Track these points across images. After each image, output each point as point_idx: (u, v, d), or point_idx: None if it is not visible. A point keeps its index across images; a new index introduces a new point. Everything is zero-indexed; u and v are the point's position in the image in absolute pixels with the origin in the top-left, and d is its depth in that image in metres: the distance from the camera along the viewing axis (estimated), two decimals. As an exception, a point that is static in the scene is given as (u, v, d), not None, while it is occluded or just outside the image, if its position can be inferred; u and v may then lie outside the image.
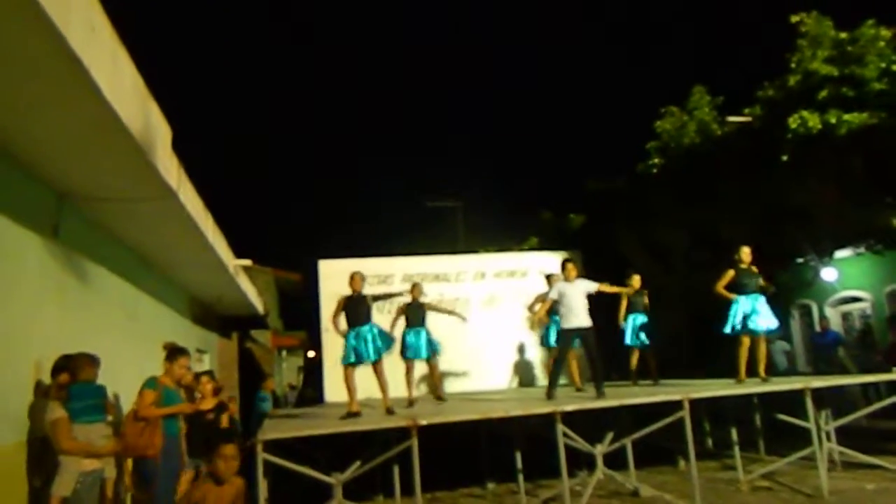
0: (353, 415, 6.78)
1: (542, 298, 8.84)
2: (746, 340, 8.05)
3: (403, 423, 6.11)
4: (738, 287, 8.07)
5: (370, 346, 6.92)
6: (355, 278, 7.29)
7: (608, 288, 8.10)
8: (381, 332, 7.12)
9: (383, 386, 7.10)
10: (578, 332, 7.63)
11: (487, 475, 8.78)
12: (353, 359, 6.95)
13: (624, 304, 9.48)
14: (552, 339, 9.30)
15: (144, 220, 6.22)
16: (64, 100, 3.76)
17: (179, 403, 5.78)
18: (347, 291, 7.29)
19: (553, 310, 9.22)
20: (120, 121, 4.03)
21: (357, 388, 7.00)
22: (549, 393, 7.55)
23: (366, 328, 7.04)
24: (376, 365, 7.01)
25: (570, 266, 7.83)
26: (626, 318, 9.48)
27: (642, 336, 9.43)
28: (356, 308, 7.16)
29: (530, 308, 9.41)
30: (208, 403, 6.67)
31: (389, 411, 6.82)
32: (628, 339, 9.47)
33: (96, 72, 3.53)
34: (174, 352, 5.75)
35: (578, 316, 7.59)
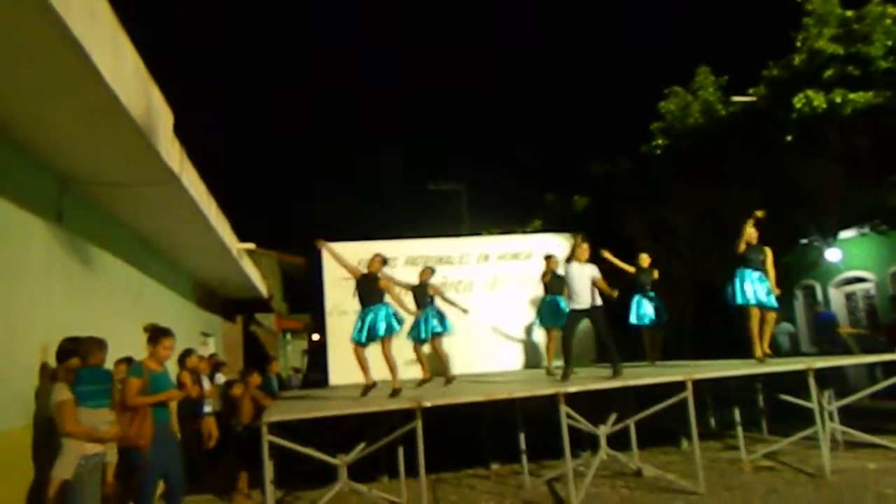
0: (370, 388, 6.97)
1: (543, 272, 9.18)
2: (756, 312, 7.98)
3: (407, 404, 6.15)
4: (744, 261, 8.06)
5: (382, 324, 7.00)
6: (375, 260, 7.38)
7: (612, 258, 8.10)
8: (394, 312, 7.20)
9: (392, 366, 7.16)
10: (586, 312, 7.62)
11: (492, 456, 8.85)
12: (364, 337, 7.04)
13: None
14: (546, 318, 9.38)
15: (147, 204, 6.22)
16: (65, 85, 3.76)
17: (168, 388, 5.56)
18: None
19: (548, 288, 9.30)
20: (121, 105, 4.03)
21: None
22: (565, 373, 7.51)
23: (381, 307, 7.12)
24: (385, 344, 7.08)
25: (585, 247, 7.73)
26: (633, 298, 9.43)
27: (651, 314, 9.38)
28: (369, 287, 7.23)
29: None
30: (194, 391, 6.68)
31: (395, 392, 6.87)
32: (634, 319, 9.40)
33: (97, 56, 3.52)
34: (157, 333, 5.43)
35: (586, 297, 7.57)
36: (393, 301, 7.36)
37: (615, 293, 7.64)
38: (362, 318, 7.12)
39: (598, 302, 7.59)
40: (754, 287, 7.95)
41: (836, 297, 14.95)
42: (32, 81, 3.73)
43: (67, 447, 4.46)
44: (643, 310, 9.38)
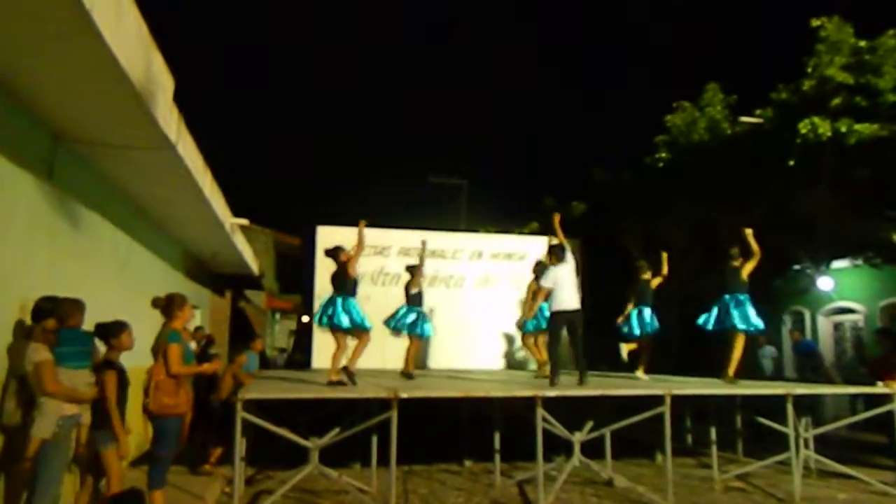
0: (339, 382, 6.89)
1: (534, 290, 8.92)
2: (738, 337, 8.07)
3: (384, 394, 6.14)
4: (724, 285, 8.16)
5: (343, 316, 6.95)
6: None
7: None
8: (358, 311, 7.12)
9: (356, 353, 7.08)
10: (568, 314, 7.61)
11: (466, 453, 8.85)
12: (324, 322, 7.00)
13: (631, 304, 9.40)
14: (530, 324, 9.37)
15: (141, 168, 6.17)
16: (64, 40, 3.70)
17: (191, 356, 5.74)
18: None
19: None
20: (119, 66, 3.97)
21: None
22: (553, 380, 7.39)
23: (346, 299, 7.08)
24: (352, 332, 7.06)
25: (556, 251, 7.84)
26: (632, 309, 9.32)
27: (646, 327, 9.26)
28: (342, 277, 7.21)
29: (532, 298, 9.29)
30: (213, 366, 6.74)
31: (348, 372, 6.90)
32: (637, 330, 9.10)
33: (98, 14, 3.47)
34: (178, 299, 5.49)
35: (570, 299, 7.58)
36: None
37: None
38: (328, 302, 7.10)
39: (576, 305, 7.62)
40: (728, 310, 8.06)
41: (825, 326, 14.98)
42: (31, 35, 3.67)
43: (47, 407, 4.43)
44: (645, 320, 9.25)
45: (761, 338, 11.47)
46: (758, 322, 7.96)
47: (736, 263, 8.13)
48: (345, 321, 6.93)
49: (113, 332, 5.10)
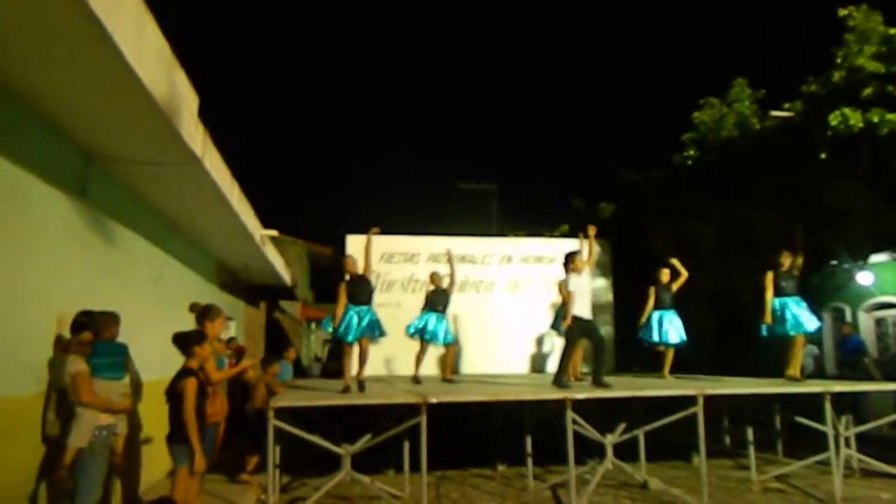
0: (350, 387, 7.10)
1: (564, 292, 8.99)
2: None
3: (413, 399, 6.18)
4: (775, 289, 8.21)
5: (363, 326, 7.24)
6: (347, 261, 7.68)
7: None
8: (377, 320, 7.40)
9: (362, 361, 7.39)
10: (588, 321, 7.68)
11: (498, 458, 8.84)
12: (350, 336, 7.26)
13: (651, 301, 9.36)
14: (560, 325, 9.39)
15: (170, 184, 6.32)
16: (88, 64, 3.83)
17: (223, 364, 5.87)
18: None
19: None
20: (143, 86, 4.09)
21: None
22: (559, 380, 7.44)
23: (365, 309, 7.34)
24: (363, 343, 7.32)
25: (577, 258, 7.93)
26: (650, 314, 9.32)
27: (670, 332, 9.23)
28: (358, 288, 7.45)
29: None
30: (249, 362, 7.02)
31: (359, 384, 7.17)
32: (655, 336, 9.25)
33: (119, 37, 3.59)
34: (210, 309, 5.49)
35: (587, 305, 7.70)
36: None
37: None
38: (350, 317, 7.31)
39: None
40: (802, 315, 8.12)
41: (866, 322, 14.57)
42: (57, 59, 3.81)
43: (83, 417, 4.59)
44: (663, 326, 9.23)
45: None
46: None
47: (786, 267, 8.27)
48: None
49: (194, 339, 5.02)
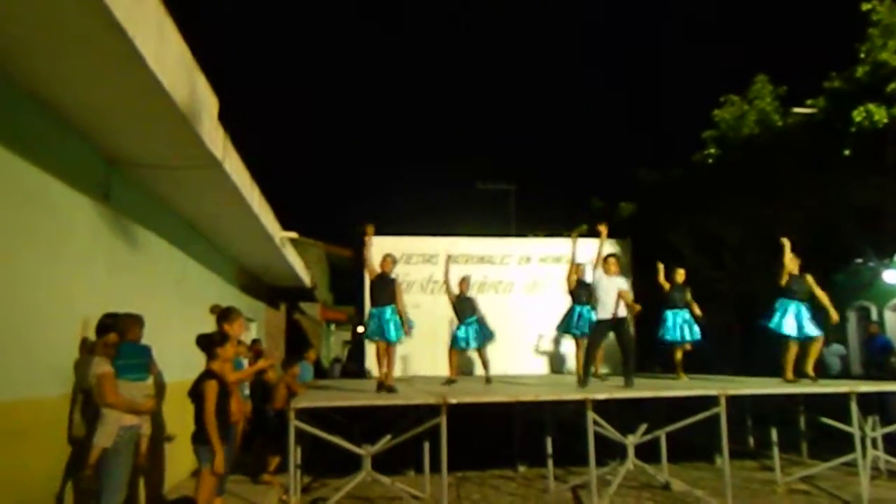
0: (384, 386, 7.16)
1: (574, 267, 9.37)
2: (794, 345, 8.04)
3: (433, 400, 6.19)
4: (788, 292, 8.10)
5: (391, 328, 7.27)
6: (386, 261, 7.63)
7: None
8: (389, 321, 7.36)
9: (390, 364, 7.41)
10: (612, 322, 7.61)
11: (519, 458, 8.82)
12: (375, 337, 7.36)
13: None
14: (573, 326, 9.56)
15: (191, 187, 6.39)
16: (110, 69, 3.89)
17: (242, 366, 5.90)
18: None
19: (576, 297, 9.48)
20: (164, 90, 4.15)
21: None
22: (583, 381, 7.51)
23: (388, 310, 7.34)
24: (389, 346, 7.36)
25: (611, 261, 7.90)
26: (664, 314, 9.29)
27: (685, 331, 9.19)
28: (382, 288, 7.46)
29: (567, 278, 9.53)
30: (267, 363, 7.07)
31: (388, 388, 7.14)
32: (669, 335, 9.22)
33: (141, 42, 3.64)
34: (230, 312, 5.45)
35: (612, 308, 7.60)
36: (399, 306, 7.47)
37: (638, 307, 7.69)
38: (370, 318, 7.42)
39: (622, 313, 7.64)
40: (797, 321, 7.96)
41: (893, 321, 14.30)
42: (81, 66, 3.87)
43: (108, 417, 4.65)
44: (676, 325, 9.19)
45: (828, 336, 11.17)
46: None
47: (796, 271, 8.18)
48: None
49: (216, 341, 5.04)
